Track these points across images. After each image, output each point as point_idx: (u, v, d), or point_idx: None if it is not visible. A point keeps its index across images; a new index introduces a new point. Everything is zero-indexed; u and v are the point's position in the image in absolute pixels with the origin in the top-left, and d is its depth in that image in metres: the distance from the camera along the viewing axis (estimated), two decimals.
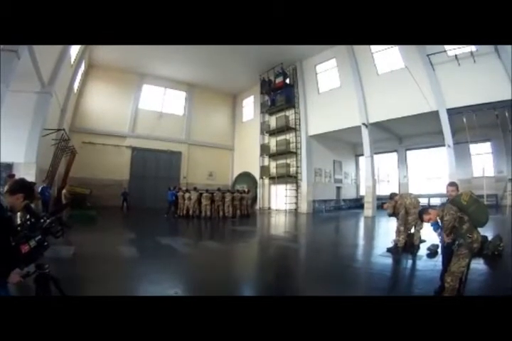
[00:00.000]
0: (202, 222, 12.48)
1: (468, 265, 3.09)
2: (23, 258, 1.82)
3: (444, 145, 12.42)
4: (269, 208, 20.09)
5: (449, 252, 3.25)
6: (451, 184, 3.99)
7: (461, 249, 3.00)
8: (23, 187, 2.09)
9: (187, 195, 13.89)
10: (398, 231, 6.21)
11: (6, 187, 3.67)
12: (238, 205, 14.45)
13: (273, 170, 19.64)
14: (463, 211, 3.04)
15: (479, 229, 3.13)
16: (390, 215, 6.49)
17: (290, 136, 18.67)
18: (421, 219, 3.50)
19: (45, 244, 1.94)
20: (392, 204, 6.36)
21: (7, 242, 1.77)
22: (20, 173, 8.82)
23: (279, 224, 13.41)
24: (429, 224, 3.31)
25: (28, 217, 2.09)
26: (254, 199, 18.75)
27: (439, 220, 3.19)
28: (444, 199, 4.22)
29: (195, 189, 14.30)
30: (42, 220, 2.02)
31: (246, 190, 16.35)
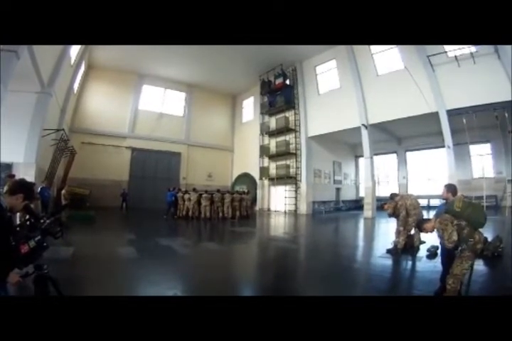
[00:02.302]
0: (201, 223, 12.45)
1: (471, 266, 3.07)
2: (23, 259, 1.81)
3: (443, 146, 12.43)
4: (269, 209, 20.07)
5: (449, 254, 3.23)
6: (447, 186, 4.00)
7: (464, 252, 2.97)
8: (22, 187, 2.08)
9: (186, 195, 13.85)
10: (398, 233, 6.20)
11: (5, 188, 3.66)
12: (238, 206, 14.41)
13: (272, 171, 19.63)
14: (459, 217, 3.02)
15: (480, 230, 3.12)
16: (390, 216, 6.47)
17: (290, 137, 18.69)
18: (421, 230, 3.44)
19: (45, 244, 1.93)
20: (393, 205, 6.34)
21: (7, 242, 1.77)
22: (19, 173, 8.80)
23: (279, 225, 13.38)
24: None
25: (27, 217, 2.08)
26: (254, 200, 18.73)
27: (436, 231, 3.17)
28: (443, 201, 4.20)
29: (194, 190, 14.26)
30: (41, 221, 2.02)
31: (245, 191, 16.35)
